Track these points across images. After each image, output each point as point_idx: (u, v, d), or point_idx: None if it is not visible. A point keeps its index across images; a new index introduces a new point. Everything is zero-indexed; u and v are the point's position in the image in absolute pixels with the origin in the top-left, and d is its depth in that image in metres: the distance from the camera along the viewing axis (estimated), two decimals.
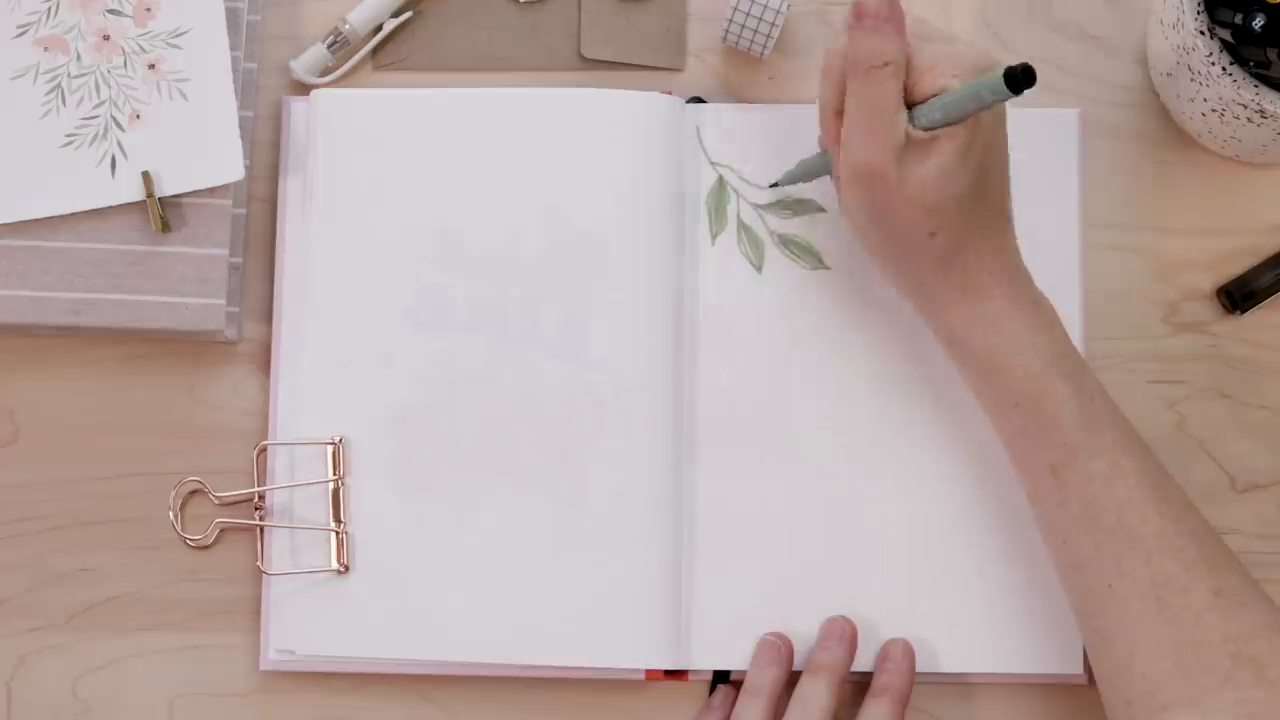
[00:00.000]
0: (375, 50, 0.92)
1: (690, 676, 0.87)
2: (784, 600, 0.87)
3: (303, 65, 0.92)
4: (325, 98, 0.90)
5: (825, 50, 0.80)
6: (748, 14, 0.89)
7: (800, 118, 0.88)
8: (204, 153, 0.87)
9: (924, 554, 0.87)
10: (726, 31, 0.90)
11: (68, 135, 0.88)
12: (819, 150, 0.85)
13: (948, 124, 0.76)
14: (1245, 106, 0.83)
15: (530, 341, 0.88)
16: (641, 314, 0.88)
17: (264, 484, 0.88)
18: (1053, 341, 0.80)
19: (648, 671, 0.87)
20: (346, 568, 0.87)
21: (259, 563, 0.87)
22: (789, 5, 0.89)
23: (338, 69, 0.92)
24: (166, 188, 0.87)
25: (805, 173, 0.87)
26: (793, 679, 0.85)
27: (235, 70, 0.89)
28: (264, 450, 0.88)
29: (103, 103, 0.88)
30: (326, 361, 0.88)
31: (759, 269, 0.90)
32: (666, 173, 0.89)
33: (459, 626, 0.86)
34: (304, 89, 0.92)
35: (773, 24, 0.89)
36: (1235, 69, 0.82)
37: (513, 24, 0.93)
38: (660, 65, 0.92)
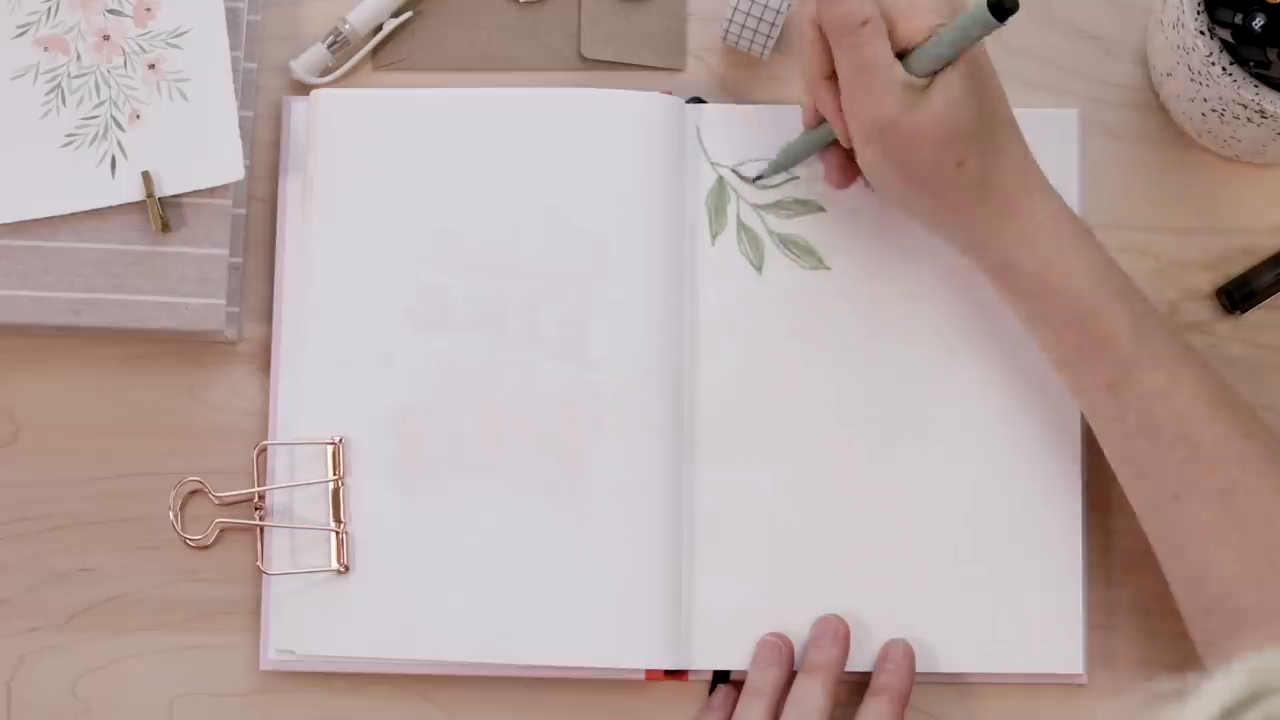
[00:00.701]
0: (375, 50, 0.92)
1: (690, 677, 0.87)
2: (784, 600, 0.87)
3: (303, 65, 0.91)
4: (325, 98, 0.90)
5: (800, 19, 0.80)
6: (748, 14, 0.89)
7: (800, 118, 0.88)
8: (204, 153, 0.87)
9: (924, 554, 0.87)
10: (726, 31, 0.90)
11: (68, 135, 0.88)
12: (801, 131, 0.85)
13: (942, 65, 0.77)
14: (1245, 106, 0.83)
15: (530, 341, 0.88)
16: (641, 314, 0.88)
17: (264, 484, 0.88)
18: (1098, 259, 0.80)
19: (648, 671, 0.87)
20: (346, 568, 0.87)
21: (259, 563, 0.87)
22: (789, 5, 0.89)
23: (338, 69, 0.92)
24: (166, 188, 0.87)
25: (789, 159, 0.87)
26: (793, 679, 0.85)
27: (235, 70, 0.89)
28: (264, 450, 0.88)
29: (103, 103, 0.88)
30: (326, 361, 0.88)
31: (759, 269, 0.89)
32: (666, 173, 0.89)
33: (459, 626, 0.86)
34: (304, 89, 0.92)
35: (773, 24, 0.89)
36: (1235, 69, 0.82)
37: (513, 24, 0.93)
38: (660, 65, 0.92)
